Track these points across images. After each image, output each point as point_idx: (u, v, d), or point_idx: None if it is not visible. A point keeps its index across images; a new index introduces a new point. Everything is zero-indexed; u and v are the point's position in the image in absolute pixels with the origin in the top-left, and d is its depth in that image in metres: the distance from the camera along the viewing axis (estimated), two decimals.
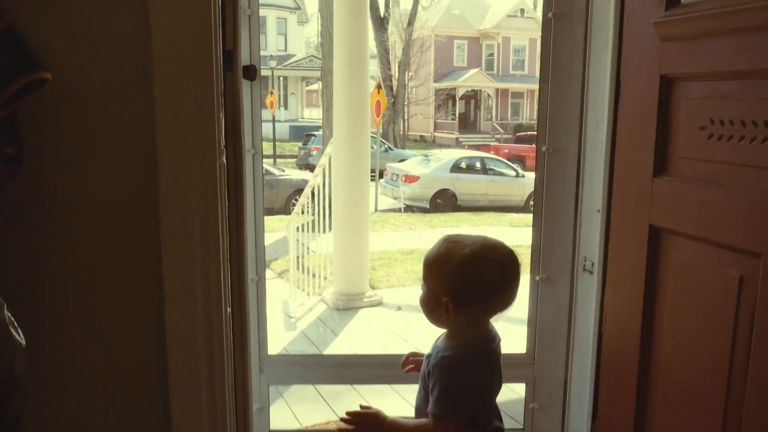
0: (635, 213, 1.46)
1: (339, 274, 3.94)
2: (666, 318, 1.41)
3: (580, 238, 1.69)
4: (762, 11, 1.12)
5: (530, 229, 1.83)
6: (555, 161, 1.73)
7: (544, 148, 1.73)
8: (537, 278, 1.78)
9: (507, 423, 1.47)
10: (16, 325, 0.86)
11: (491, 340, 1.29)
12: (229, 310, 1.20)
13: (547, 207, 1.76)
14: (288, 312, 3.58)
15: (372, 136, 3.75)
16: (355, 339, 3.22)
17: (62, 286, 1.09)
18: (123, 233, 1.10)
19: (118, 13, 1.06)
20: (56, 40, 1.03)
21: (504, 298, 1.26)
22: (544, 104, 1.73)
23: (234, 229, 1.19)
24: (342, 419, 1.25)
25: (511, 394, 2.00)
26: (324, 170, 3.79)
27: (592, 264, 1.64)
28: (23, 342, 0.86)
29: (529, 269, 1.80)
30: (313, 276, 3.91)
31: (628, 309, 1.50)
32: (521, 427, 1.91)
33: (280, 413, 2.30)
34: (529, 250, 1.80)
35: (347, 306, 3.83)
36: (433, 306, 1.26)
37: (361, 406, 1.28)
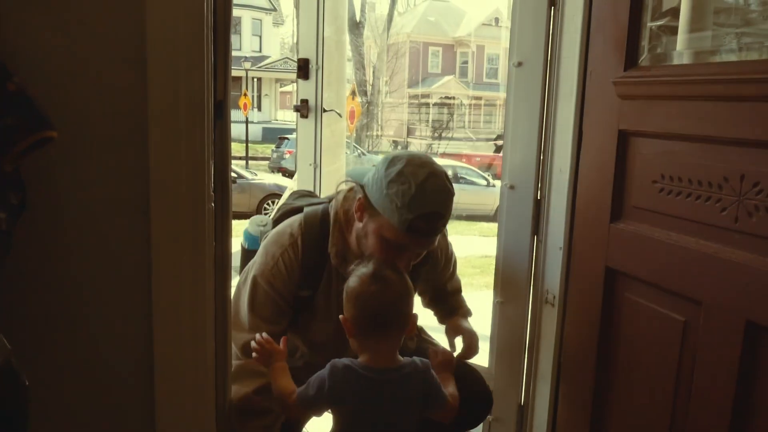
0: (593, 254, 1.57)
1: None
2: (620, 353, 1.51)
3: (544, 272, 1.79)
4: (706, 84, 1.24)
5: None
6: (514, 197, 1.85)
7: (505, 183, 1.86)
8: (496, 301, 1.94)
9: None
10: None
11: (380, 371, 1.33)
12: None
13: (506, 238, 1.90)
14: None
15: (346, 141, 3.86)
16: None
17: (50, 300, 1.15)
18: (112, 272, 1.17)
19: (114, 64, 1.13)
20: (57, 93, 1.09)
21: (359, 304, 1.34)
22: (506, 143, 1.86)
23: (220, 272, 1.26)
24: (254, 341, 1.40)
25: None
26: None
27: (554, 297, 1.75)
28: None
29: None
30: None
31: (586, 342, 1.61)
32: None
33: None
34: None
35: None
36: None
37: (266, 339, 1.40)
